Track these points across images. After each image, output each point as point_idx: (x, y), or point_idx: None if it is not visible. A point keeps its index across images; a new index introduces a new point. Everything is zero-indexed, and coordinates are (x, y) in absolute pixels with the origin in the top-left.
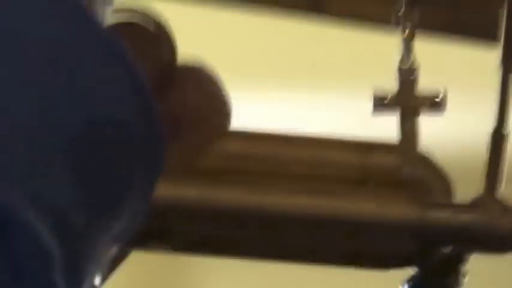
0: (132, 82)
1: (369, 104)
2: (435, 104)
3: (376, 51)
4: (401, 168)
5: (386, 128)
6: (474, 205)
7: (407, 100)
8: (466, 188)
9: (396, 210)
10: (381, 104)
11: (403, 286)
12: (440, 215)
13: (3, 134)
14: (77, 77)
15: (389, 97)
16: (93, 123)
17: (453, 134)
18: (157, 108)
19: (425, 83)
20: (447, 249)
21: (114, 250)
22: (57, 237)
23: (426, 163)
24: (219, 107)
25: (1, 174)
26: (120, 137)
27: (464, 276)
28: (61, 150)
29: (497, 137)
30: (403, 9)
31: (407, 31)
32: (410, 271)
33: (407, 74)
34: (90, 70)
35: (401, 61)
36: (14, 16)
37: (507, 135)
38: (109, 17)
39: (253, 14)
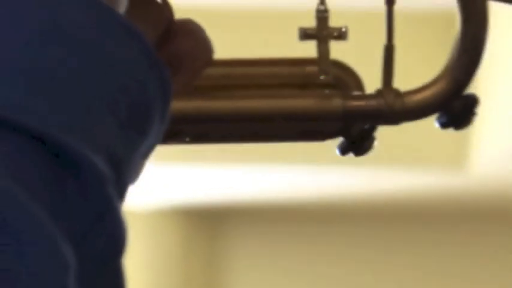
0: (143, 50)
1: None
2: (341, 33)
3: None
4: (326, 74)
5: None
6: (377, 94)
7: (322, 30)
8: None
9: (327, 103)
10: (305, 34)
11: (337, 148)
12: (356, 103)
13: (73, 98)
14: (109, 54)
15: (310, 29)
16: (122, 81)
17: None
18: (163, 61)
19: None
20: (363, 124)
21: (144, 163)
22: (109, 164)
23: (343, 67)
24: (206, 47)
25: (71, 127)
26: (139, 85)
27: (374, 140)
28: (102, 100)
29: (389, 48)
30: None
31: None
32: (340, 139)
33: (323, 13)
34: (116, 49)
35: (319, 4)
36: (52, 9)
37: (395, 46)
38: None
39: None
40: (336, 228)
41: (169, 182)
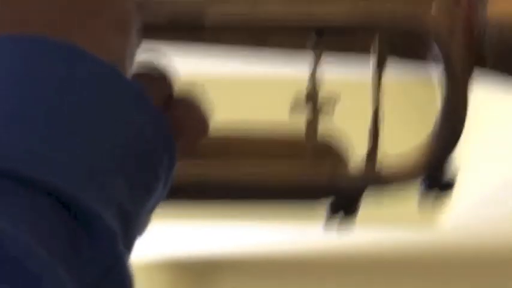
0: (152, 115)
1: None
2: (332, 103)
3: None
4: (313, 145)
5: None
6: (362, 164)
7: (315, 101)
8: None
9: (315, 171)
10: (298, 104)
11: (327, 208)
12: (342, 173)
13: (87, 157)
14: (121, 118)
15: (303, 99)
16: (131, 140)
17: None
18: (169, 126)
19: None
20: (349, 190)
21: (149, 218)
22: (118, 220)
23: (330, 139)
24: (203, 120)
25: (86, 186)
26: (148, 147)
27: (361, 203)
28: (114, 160)
29: (376, 117)
30: (314, 41)
31: (316, 57)
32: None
33: (315, 84)
34: (127, 111)
35: (311, 75)
36: (66, 69)
37: (383, 114)
38: (133, 68)
39: None
40: (317, 281)
41: (161, 236)
